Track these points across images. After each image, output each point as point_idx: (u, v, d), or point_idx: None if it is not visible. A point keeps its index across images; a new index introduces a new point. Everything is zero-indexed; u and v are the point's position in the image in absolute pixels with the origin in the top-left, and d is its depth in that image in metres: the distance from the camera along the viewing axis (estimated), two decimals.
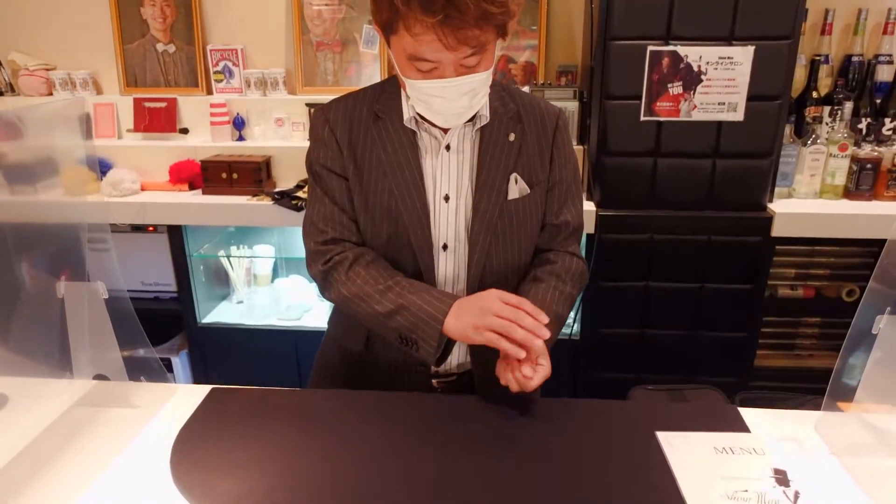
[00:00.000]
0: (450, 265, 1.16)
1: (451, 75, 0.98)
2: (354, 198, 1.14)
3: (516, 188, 1.14)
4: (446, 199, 1.13)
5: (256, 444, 1.00)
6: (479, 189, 1.12)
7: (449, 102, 1.02)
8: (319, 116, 1.16)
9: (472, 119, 1.11)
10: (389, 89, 1.14)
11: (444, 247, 1.15)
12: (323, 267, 1.14)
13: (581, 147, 2.19)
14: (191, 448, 1.00)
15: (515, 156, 1.14)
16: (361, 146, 1.13)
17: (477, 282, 1.15)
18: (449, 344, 1.10)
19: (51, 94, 2.63)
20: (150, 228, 2.34)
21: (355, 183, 1.14)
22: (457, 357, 1.22)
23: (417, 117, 1.11)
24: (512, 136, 1.14)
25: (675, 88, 1.93)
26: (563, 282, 1.18)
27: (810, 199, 2.13)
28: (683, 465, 0.94)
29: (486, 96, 1.07)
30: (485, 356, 1.20)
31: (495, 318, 1.00)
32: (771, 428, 1.05)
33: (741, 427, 1.04)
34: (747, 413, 1.08)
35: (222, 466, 0.96)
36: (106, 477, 0.95)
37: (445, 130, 1.12)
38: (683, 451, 0.97)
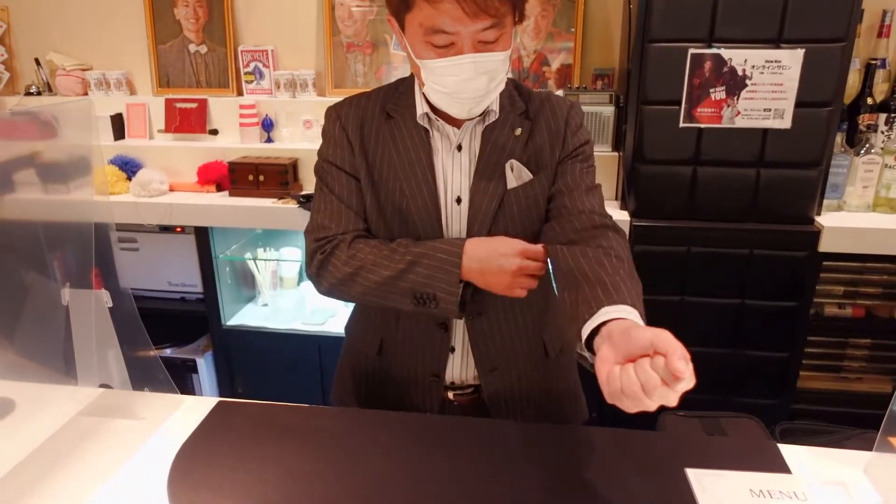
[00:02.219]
0: None
1: (469, 51, 0.93)
2: (367, 199, 1.10)
3: (512, 176, 1.07)
4: (458, 201, 1.08)
5: (258, 465, 0.96)
6: (476, 180, 1.06)
7: (464, 82, 0.96)
8: (331, 114, 1.13)
9: (482, 115, 1.06)
10: (403, 88, 1.11)
11: None
12: (321, 256, 1.08)
13: (616, 154, 2.11)
14: (190, 467, 0.96)
15: (521, 148, 1.08)
16: (373, 145, 1.09)
17: None
18: (476, 294, 1.06)
19: (86, 93, 2.65)
20: (178, 229, 2.34)
21: (367, 183, 1.10)
22: (471, 370, 1.16)
23: (430, 113, 1.06)
24: (518, 131, 1.08)
25: (718, 94, 1.82)
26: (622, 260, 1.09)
27: (862, 212, 2.02)
28: None
29: (503, 83, 1.01)
30: (490, 364, 1.14)
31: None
32: (815, 469, 0.95)
33: (781, 467, 0.95)
34: (788, 450, 0.99)
35: (221, 489, 0.91)
36: (100, 496, 0.91)
37: (459, 126, 1.07)
38: (715, 491, 0.89)
